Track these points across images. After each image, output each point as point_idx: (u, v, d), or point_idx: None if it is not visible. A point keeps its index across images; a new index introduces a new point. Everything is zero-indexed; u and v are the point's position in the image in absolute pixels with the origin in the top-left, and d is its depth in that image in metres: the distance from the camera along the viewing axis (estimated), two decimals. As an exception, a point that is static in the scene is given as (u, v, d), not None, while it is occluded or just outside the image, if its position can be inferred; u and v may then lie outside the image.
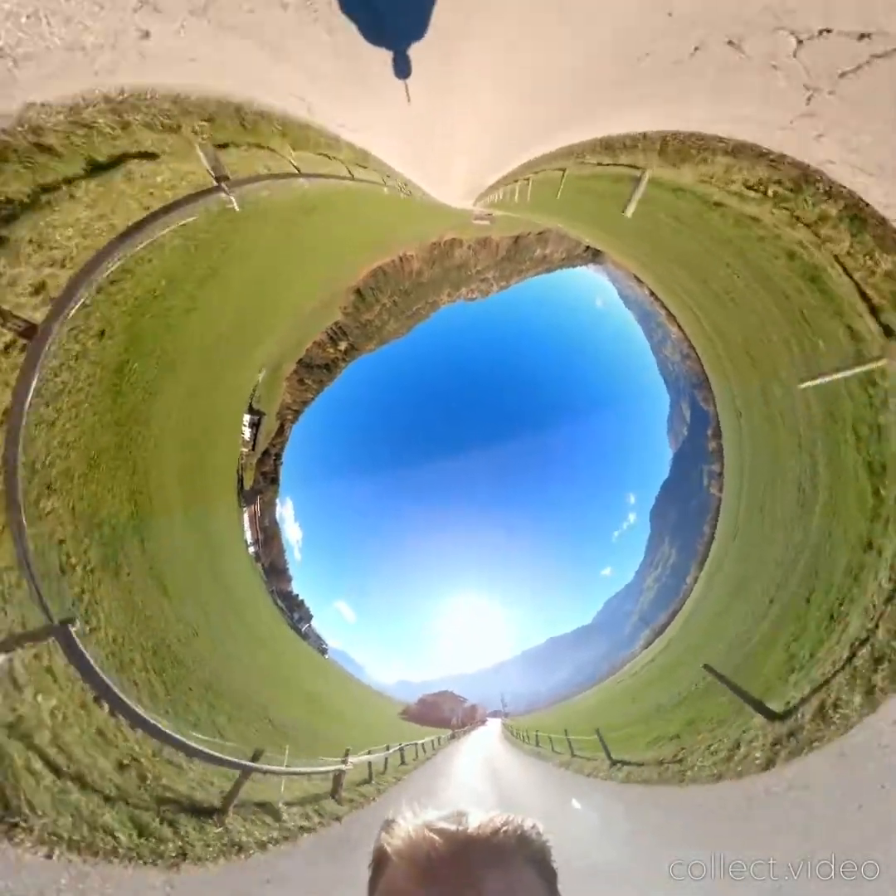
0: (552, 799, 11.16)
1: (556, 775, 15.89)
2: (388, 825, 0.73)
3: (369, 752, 13.07)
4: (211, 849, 4.66)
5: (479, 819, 0.69)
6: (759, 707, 5.86)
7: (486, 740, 46.71)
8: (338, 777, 8.04)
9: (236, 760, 5.41)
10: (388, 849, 0.69)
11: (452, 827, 0.68)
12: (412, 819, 0.71)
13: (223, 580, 31.52)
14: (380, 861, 0.71)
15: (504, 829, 0.68)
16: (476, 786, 15.94)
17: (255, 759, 5.81)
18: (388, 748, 16.29)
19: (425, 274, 38.60)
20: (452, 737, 76.10)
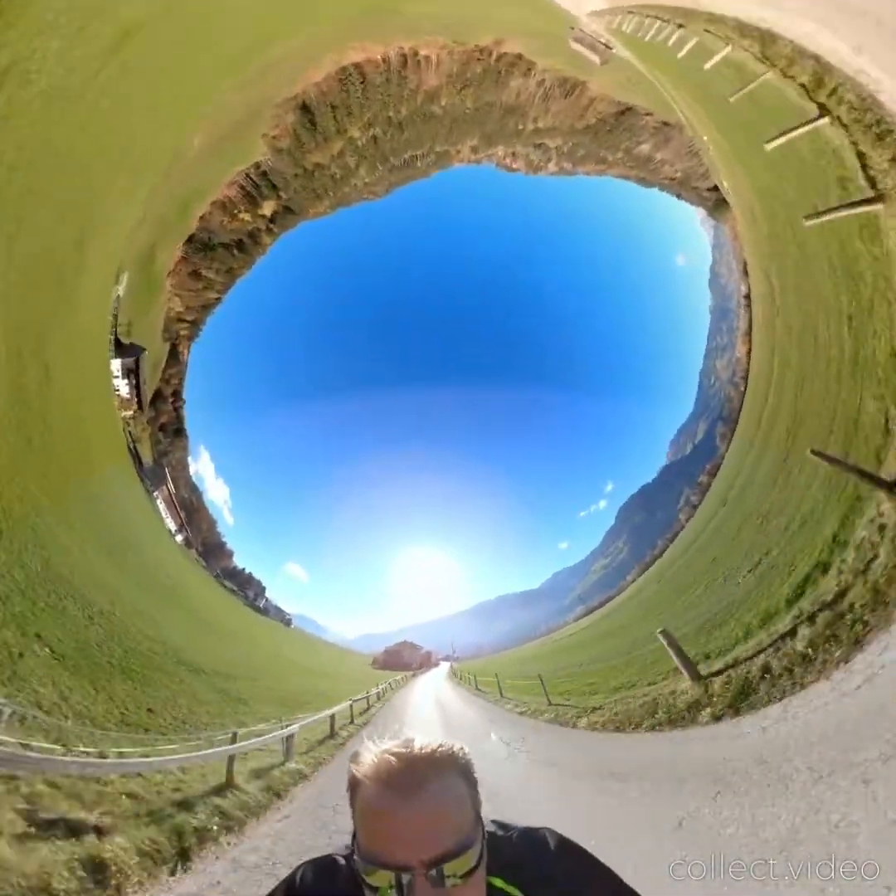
0: (480, 728, 14.01)
1: (487, 709, 18.93)
2: (354, 756, 0.96)
3: (352, 699, 17.95)
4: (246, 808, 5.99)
5: (422, 742, 0.94)
6: (692, 670, 7.51)
7: (437, 681, 52.45)
8: (332, 722, 12.88)
9: (206, 752, 6.36)
10: (357, 774, 0.92)
11: (403, 749, 0.92)
12: (373, 748, 0.95)
13: (159, 581, 27.17)
14: (353, 785, 0.94)
15: (440, 749, 0.94)
16: (427, 715, 19.83)
17: (233, 740, 7.11)
18: (367, 692, 23.30)
19: (444, 99, 21.19)
20: (413, 676, 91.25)
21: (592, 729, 9.02)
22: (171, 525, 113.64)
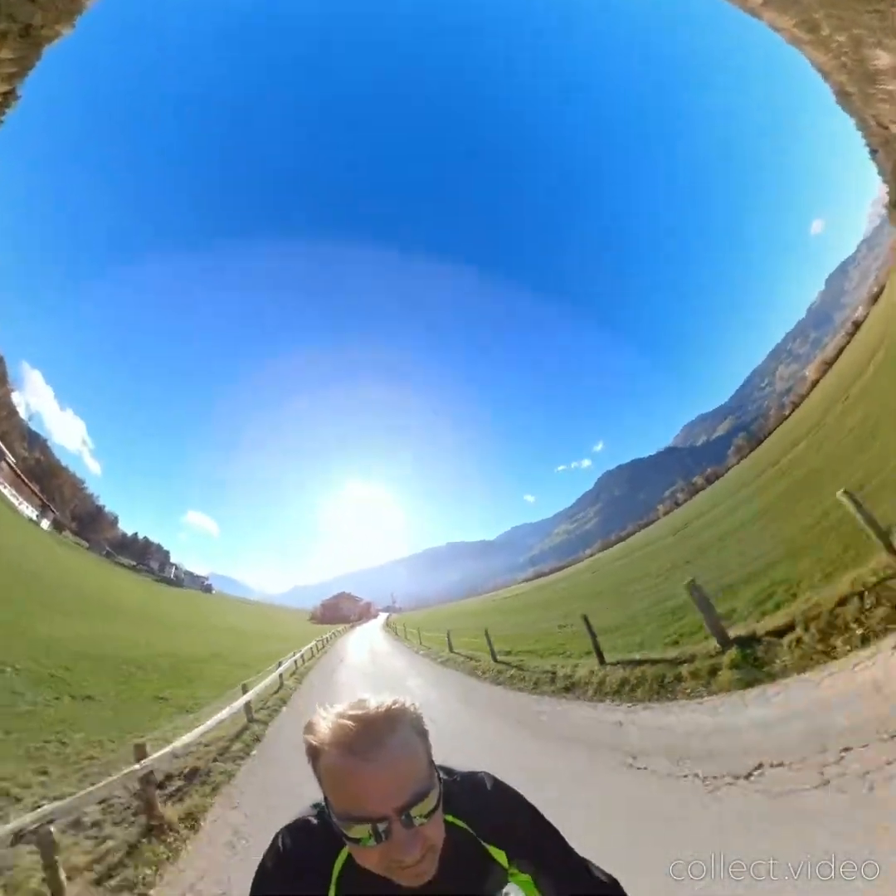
0: (410, 677, 15.98)
1: (415, 660, 20.72)
2: (309, 727, 0.99)
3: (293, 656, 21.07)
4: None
5: (375, 703, 0.98)
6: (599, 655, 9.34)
7: (372, 633, 57.15)
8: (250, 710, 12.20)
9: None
10: (316, 743, 0.96)
11: (358, 711, 0.96)
12: (327, 716, 0.98)
13: (39, 587, 25.24)
14: (313, 754, 0.97)
15: (393, 706, 0.98)
16: (363, 667, 21.09)
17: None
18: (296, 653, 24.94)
19: None
20: (351, 626, 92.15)
21: (496, 683, 11.63)
22: (29, 511, 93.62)
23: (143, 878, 4.79)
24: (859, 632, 5.47)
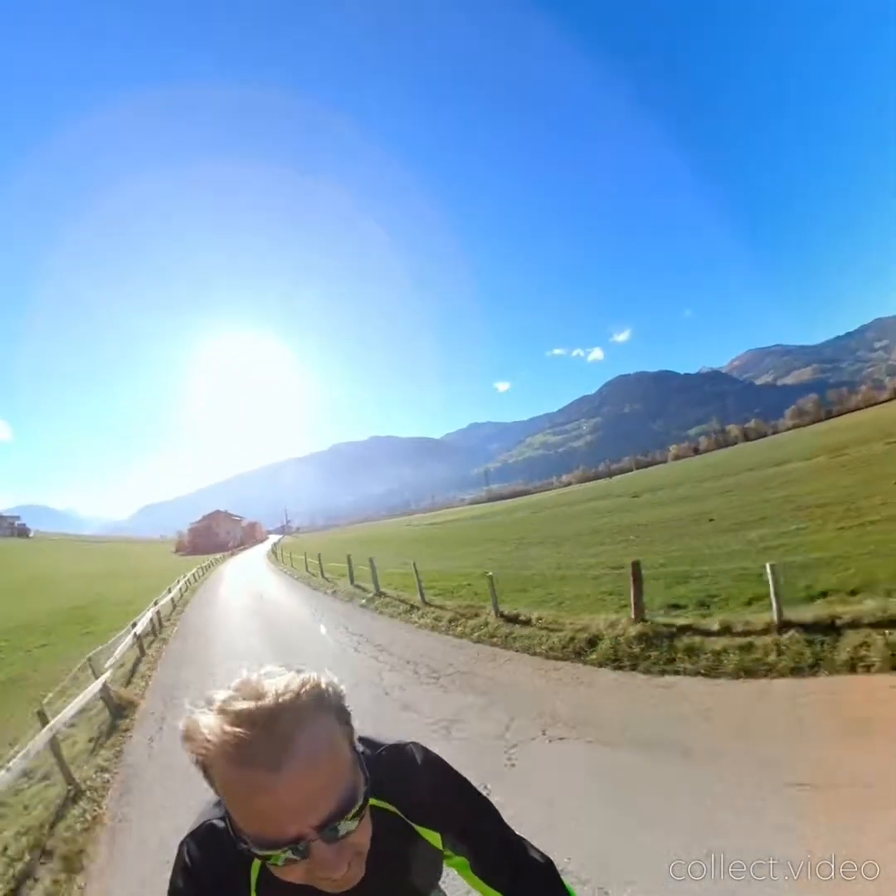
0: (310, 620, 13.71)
1: (318, 599, 17.33)
2: (188, 734, 0.72)
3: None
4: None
5: (275, 687, 0.72)
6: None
7: (257, 564, 44.09)
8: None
9: None
10: (200, 758, 0.71)
11: (250, 705, 0.69)
12: (206, 717, 0.71)
13: None
14: (203, 767, 0.72)
15: (303, 690, 0.72)
16: (247, 617, 16.23)
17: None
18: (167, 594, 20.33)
19: None
20: (230, 556, 70.65)
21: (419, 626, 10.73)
22: None
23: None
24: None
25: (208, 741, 0.69)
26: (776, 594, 6.19)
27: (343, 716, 0.79)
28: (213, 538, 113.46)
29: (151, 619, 16.03)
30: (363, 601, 14.37)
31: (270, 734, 0.67)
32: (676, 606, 8.30)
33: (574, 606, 9.53)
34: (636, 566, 7.34)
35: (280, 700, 0.70)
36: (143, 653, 13.01)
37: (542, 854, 1.08)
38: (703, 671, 5.86)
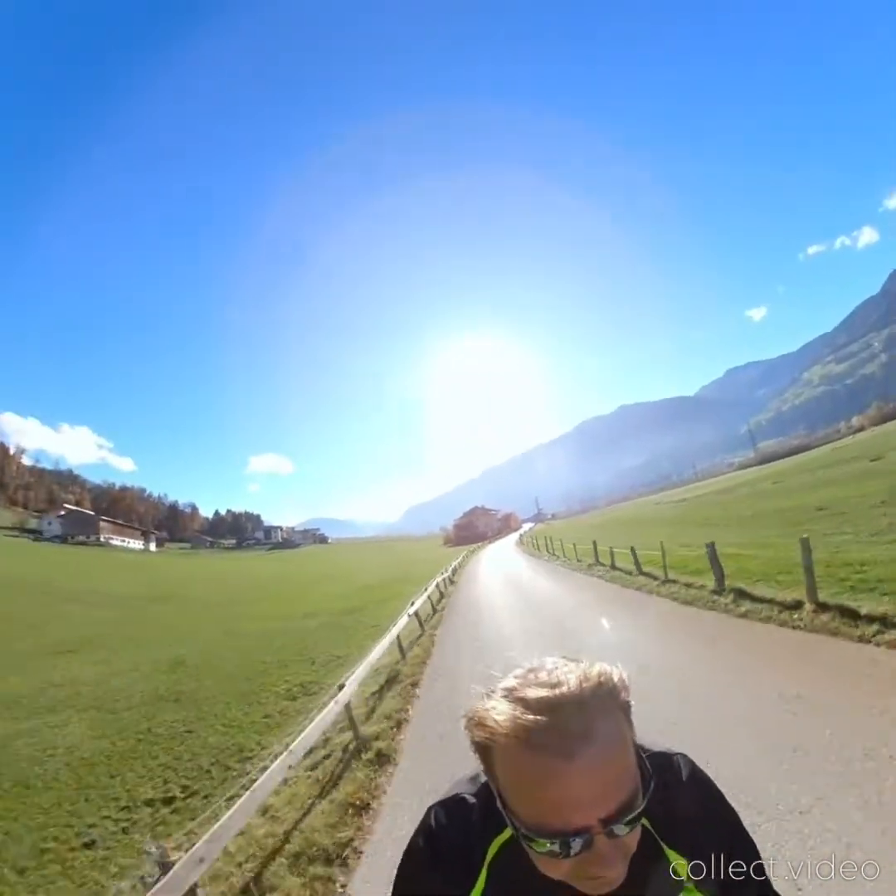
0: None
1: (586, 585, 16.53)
2: (477, 718, 0.73)
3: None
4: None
5: (573, 677, 0.72)
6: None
7: (506, 547, 53.29)
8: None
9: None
10: (489, 742, 0.71)
11: (551, 692, 0.70)
12: (498, 703, 0.71)
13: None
14: (484, 751, 0.73)
15: (600, 682, 0.72)
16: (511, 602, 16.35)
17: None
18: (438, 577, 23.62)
19: None
20: (488, 543, 78.58)
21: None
22: (134, 544, 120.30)
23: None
24: None
25: (501, 726, 0.69)
26: None
27: (628, 712, 0.76)
28: (474, 530, 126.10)
29: (442, 579, 24.50)
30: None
31: (568, 723, 0.68)
32: None
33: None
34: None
35: (581, 689, 0.70)
36: (442, 595, 21.23)
37: None
38: None
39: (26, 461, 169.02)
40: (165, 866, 3.18)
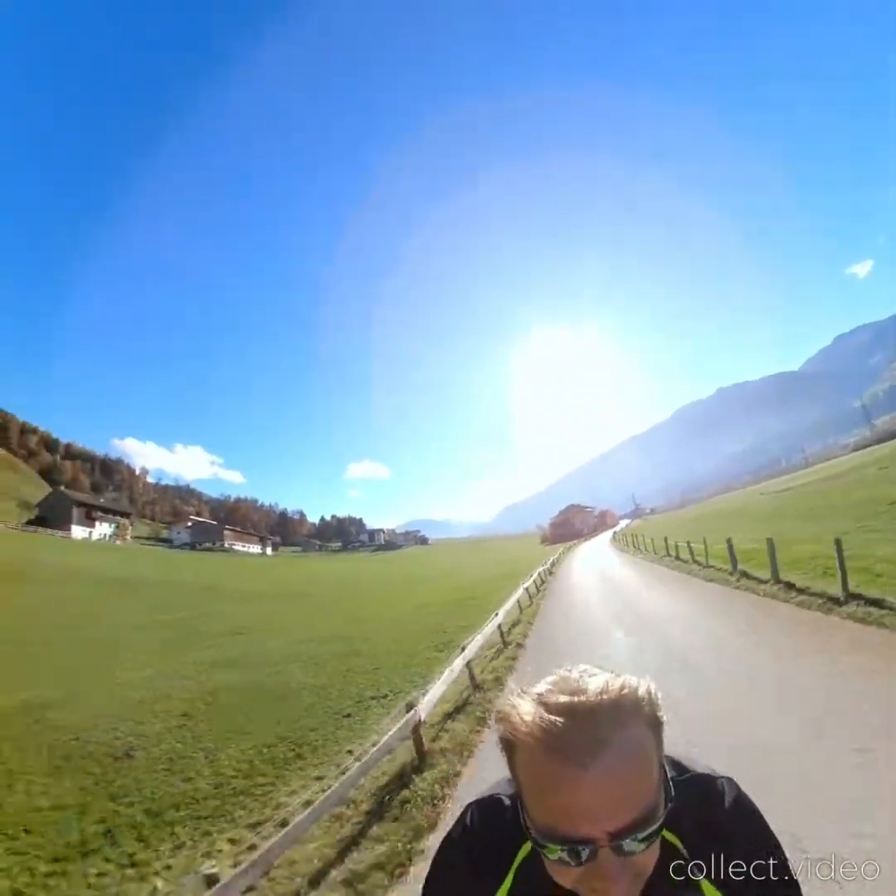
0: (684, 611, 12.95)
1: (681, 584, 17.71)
2: (504, 713, 0.76)
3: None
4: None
5: (595, 686, 0.73)
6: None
7: (600, 547, 54.45)
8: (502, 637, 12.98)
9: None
10: (514, 737, 0.73)
11: (571, 699, 0.71)
12: (528, 705, 0.74)
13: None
14: (508, 747, 0.76)
15: (623, 692, 0.72)
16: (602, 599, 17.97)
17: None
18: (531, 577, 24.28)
19: None
20: (583, 541, 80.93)
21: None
22: (255, 548, 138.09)
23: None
24: None
25: (523, 724, 0.71)
26: None
27: (657, 728, 0.74)
28: (570, 528, 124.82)
29: (543, 569, 29.16)
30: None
31: (585, 730, 0.68)
32: None
33: None
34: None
35: (600, 698, 0.70)
36: (543, 579, 26.55)
37: None
38: None
39: (150, 480, 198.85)
40: (410, 705, 6.30)
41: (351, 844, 4.93)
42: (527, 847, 0.85)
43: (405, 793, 5.63)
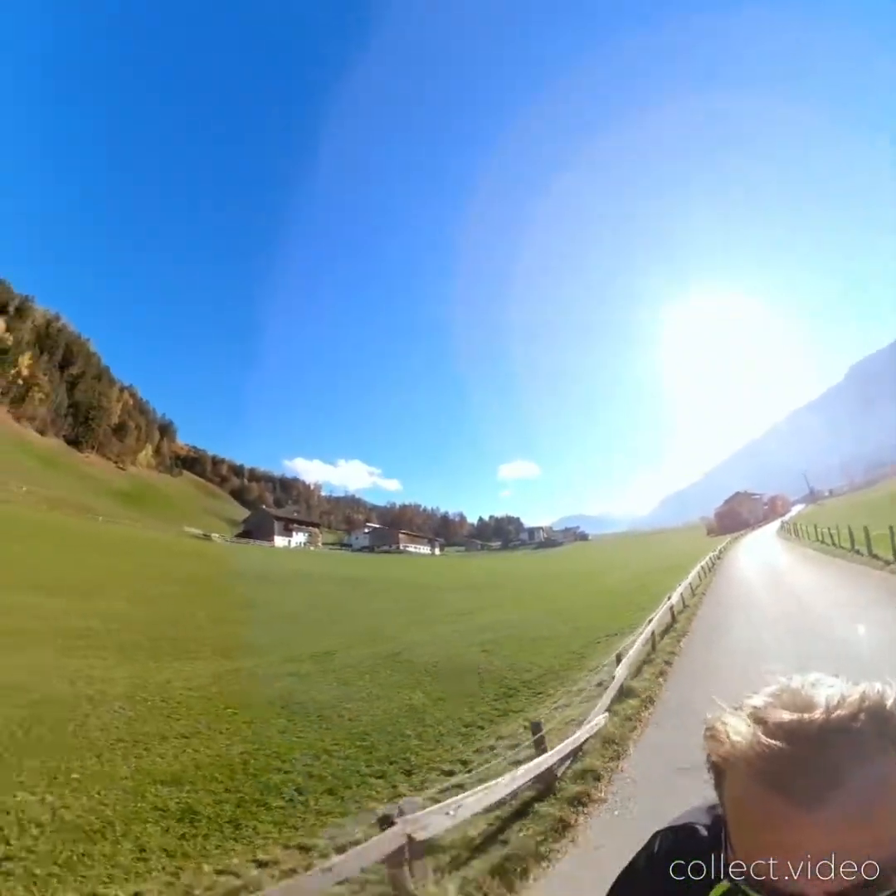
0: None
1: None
2: (714, 729, 0.65)
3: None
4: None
5: (827, 699, 0.57)
6: None
7: (766, 538, 54.19)
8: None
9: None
10: (721, 762, 0.63)
11: (798, 716, 0.57)
12: (738, 721, 0.62)
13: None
14: (718, 770, 0.65)
15: (862, 709, 0.56)
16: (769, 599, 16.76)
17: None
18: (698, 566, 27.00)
19: None
20: (749, 531, 78.28)
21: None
22: (426, 550, 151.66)
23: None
24: None
25: (735, 746, 0.60)
26: None
27: None
28: (737, 518, 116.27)
29: (709, 558, 31.42)
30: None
31: (812, 760, 0.53)
32: None
33: None
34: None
35: (832, 716, 0.55)
36: (711, 567, 29.52)
37: None
38: None
39: (323, 493, 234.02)
40: (619, 656, 9.46)
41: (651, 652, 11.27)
42: (722, 888, 0.70)
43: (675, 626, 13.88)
